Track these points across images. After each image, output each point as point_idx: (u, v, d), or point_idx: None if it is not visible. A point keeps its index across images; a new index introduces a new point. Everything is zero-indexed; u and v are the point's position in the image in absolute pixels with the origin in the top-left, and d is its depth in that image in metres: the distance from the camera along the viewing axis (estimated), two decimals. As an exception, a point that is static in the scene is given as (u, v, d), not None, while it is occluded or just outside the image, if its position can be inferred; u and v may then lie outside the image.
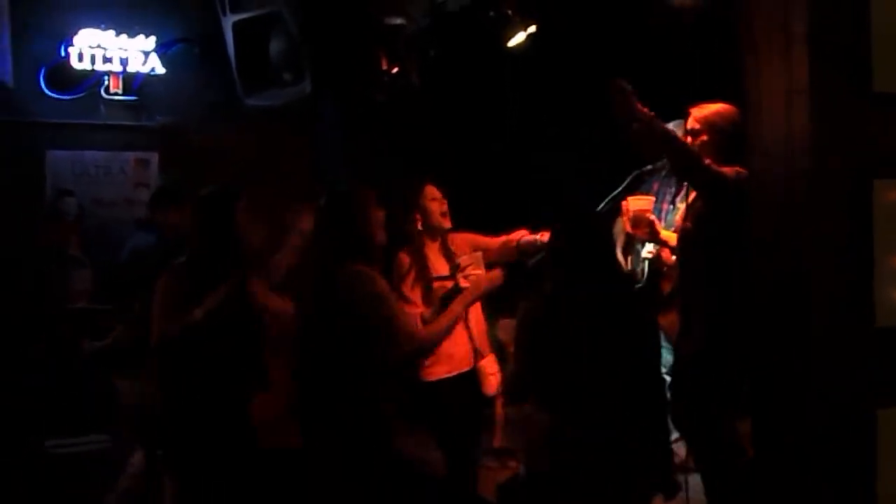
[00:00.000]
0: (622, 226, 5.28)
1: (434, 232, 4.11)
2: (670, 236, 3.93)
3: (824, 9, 2.15)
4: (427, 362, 3.96)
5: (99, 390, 5.03)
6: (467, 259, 3.88)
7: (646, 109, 3.31)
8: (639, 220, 3.87)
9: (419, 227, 4.10)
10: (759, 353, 2.34)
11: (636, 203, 3.94)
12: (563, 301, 2.98)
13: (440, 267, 4.06)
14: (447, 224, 4.11)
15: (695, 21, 3.99)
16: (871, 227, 2.19)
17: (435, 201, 4.09)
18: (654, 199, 4.33)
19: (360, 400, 3.15)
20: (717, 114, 3.53)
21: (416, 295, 4.01)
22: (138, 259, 4.24)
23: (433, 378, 3.99)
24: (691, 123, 3.61)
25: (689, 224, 3.58)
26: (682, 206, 4.99)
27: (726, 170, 3.39)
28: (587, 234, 3.08)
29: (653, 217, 3.97)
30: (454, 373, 4.01)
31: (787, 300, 2.27)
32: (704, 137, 3.54)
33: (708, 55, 4.59)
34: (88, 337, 4.14)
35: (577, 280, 2.99)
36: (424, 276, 4.02)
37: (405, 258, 4.08)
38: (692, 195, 3.69)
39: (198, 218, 3.39)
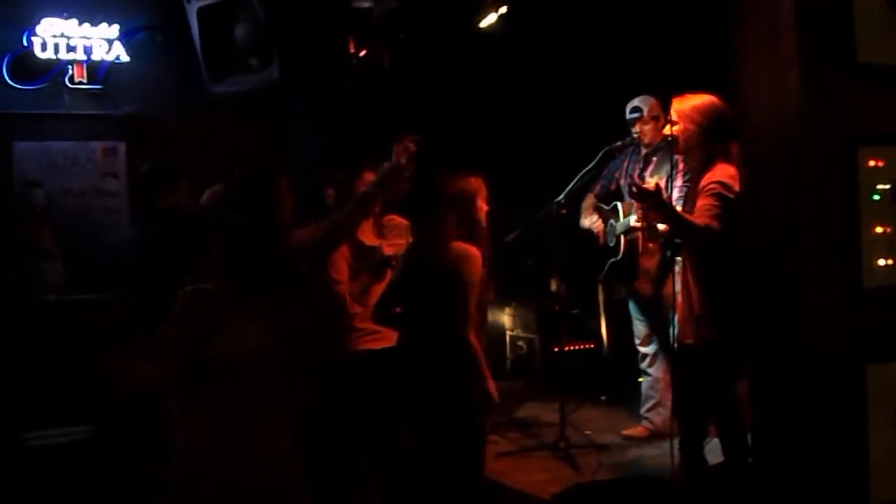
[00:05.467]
0: (590, 201, 5.45)
1: None
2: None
3: (810, -17, 2.24)
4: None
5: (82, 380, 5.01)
6: (392, 228, 4.24)
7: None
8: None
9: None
10: (755, 318, 2.44)
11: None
12: None
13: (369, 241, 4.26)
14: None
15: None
16: (857, 192, 2.30)
17: None
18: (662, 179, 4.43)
19: None
20: (695, 108, 3.68)
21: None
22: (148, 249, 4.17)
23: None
24: (670, 115, 3.78)
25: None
26: (651, 181, 5.12)
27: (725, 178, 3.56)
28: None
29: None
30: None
31: (779, 264, 2.37)
32: (682, 128, 3.69)
33: (688, 33, 4.69)
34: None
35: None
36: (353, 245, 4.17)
37: None
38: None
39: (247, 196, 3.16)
